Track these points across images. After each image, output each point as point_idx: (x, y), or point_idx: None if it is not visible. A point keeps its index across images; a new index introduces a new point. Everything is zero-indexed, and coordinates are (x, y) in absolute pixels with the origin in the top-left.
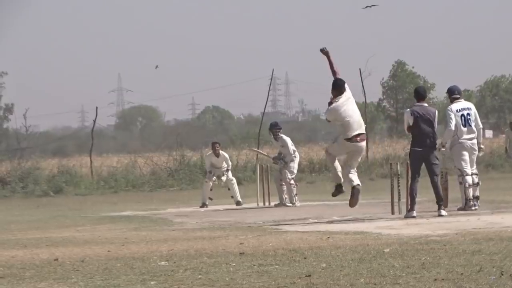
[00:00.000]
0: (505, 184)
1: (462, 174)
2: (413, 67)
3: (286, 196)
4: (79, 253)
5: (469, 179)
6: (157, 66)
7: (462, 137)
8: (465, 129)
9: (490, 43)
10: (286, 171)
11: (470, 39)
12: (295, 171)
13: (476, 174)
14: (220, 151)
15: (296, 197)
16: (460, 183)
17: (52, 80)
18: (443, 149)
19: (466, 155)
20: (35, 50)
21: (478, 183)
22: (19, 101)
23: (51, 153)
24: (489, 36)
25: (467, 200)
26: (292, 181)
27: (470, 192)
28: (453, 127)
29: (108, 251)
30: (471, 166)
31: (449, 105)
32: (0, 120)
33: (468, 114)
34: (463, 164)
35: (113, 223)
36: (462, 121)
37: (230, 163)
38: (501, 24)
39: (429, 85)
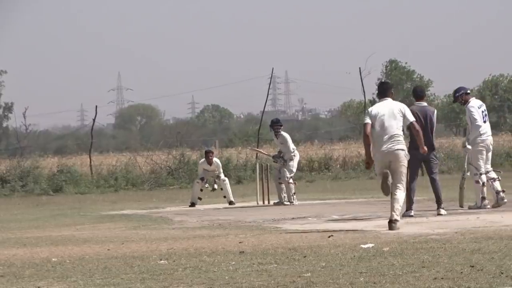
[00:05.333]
0: (504, 184)
1: (478, 172)
2: (406, 63)
3: (285, 195)
4: (78, 252)
5: (484, 178)
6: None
7: (484, 134)
8: (486, 126)
9: (488, 43)
10: (285, 169)
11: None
12: (294, 170)
13: (492, 170)
14: (214, 159)
15: (295, 196)
16: (477, 181)
17: (52, 79)
18: (468, 146)
19: (485, 153)
20: (35, 49)
21: (497, 178)
22: (18, 100)
23: (51, 152)
24: (486, 36)
25: (482, 198)
26: (290, 180)
27: (485, 191)
28: (481, 123)
29: (108, 249)
30: (486, 163)
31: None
32: None
33: (485, 110)
34: (481, 162)
35: (112, 222)
36: (483, 117)
37: (221, 170)
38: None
39: (426, 82)
